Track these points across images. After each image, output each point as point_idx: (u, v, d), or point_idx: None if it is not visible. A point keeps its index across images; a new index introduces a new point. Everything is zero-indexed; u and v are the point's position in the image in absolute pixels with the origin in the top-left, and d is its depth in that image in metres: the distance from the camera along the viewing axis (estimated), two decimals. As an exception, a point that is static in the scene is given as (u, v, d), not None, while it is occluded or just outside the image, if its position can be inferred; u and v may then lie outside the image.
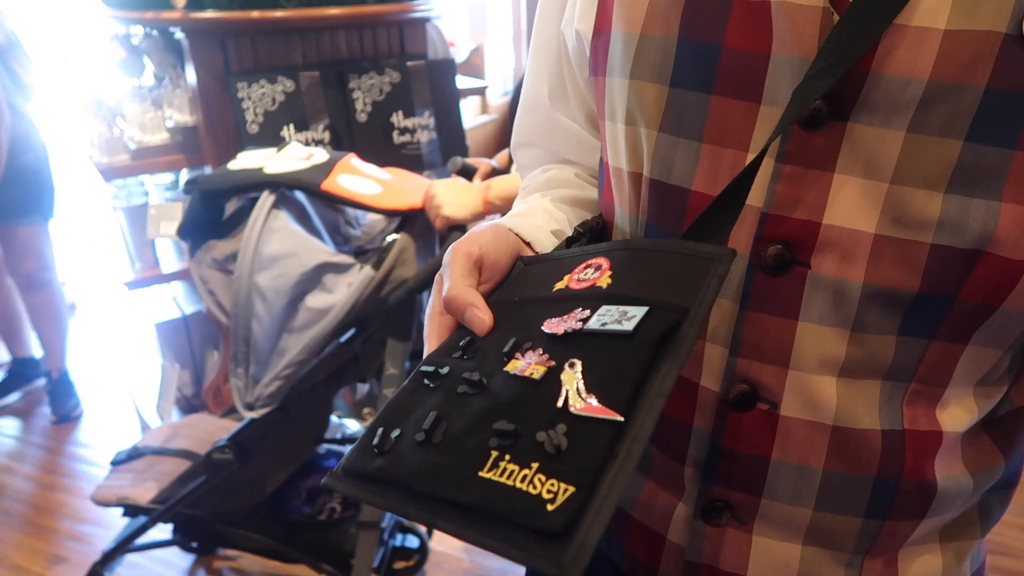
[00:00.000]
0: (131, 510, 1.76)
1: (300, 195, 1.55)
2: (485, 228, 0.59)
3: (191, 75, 2.06)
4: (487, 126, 5.14)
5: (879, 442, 0.53)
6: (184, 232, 1.56)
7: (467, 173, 1.68)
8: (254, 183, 1.51)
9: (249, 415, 1.54)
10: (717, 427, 0.57)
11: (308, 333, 1.45)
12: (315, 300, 1.45)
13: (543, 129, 0.74)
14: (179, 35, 2.06)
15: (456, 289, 0.53)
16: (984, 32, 0.43)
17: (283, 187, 1.50)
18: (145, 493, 1.72)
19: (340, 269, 1.46)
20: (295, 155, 1.58)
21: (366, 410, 2.35)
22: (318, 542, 1.76)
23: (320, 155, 1.59)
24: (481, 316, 0.52)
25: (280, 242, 1.43)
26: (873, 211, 0.48)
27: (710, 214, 0.49)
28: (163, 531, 1.89)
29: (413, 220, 1.57)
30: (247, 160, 1.60)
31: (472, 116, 5.10)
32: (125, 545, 1.79)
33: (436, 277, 0.57)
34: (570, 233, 0.65)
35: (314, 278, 1.44)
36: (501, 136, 5.34)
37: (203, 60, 2.03)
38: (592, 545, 0.35)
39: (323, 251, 1.46)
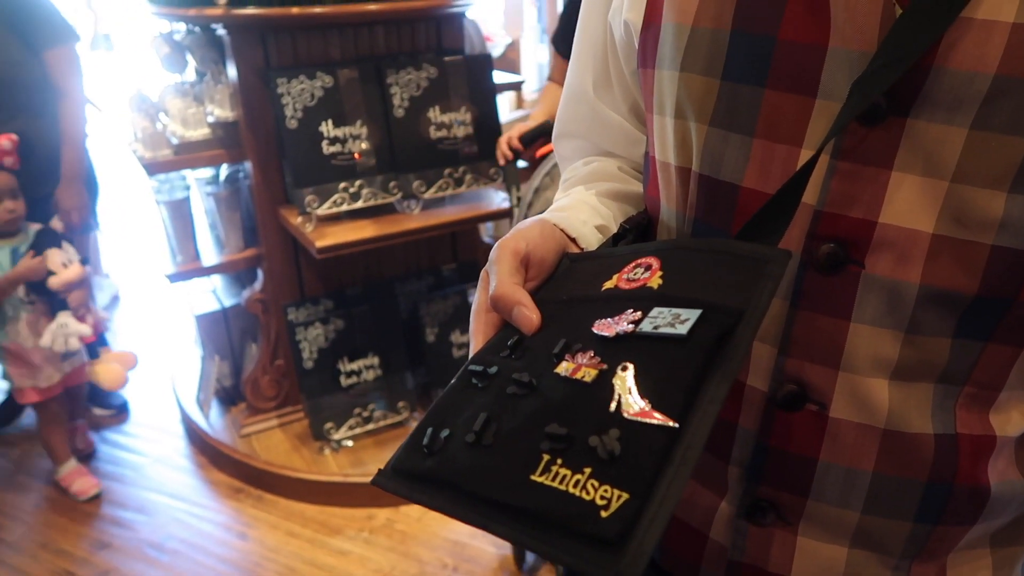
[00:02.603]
0: None
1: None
2: (531, 224, 0.59)
3: (232, 71, 2.09)
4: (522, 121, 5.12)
5: (932, 446, 0.52)
6: None
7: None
8: None
9: None
10: (764, 427, 0.56)
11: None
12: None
13: (586, 120, 0.73)
14: (220, 31, 2.09)
15: (503, 287, 0.53)
16: None
17: None
18: None
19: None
20: None
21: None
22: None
23: None
24: (529, 315, 0.51)
25: None
26: (932, 210, 0.47)
27: (764, 214, 0.48)
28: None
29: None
30: None
31: (507, 111, 5.10)
32: None
33: (482, 274, 0.57)
34: (615, 228, 0.64)
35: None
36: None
37: (244, 56, 2.05)
38: (648, 553, 0.35)
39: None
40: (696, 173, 0.55)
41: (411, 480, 0.46)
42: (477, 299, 0.56)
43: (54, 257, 2.12)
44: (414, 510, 2.18)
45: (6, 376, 2.28)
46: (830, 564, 0.57)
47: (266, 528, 2.14)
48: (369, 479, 1.93)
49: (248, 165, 2.21)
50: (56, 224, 2.23)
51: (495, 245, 0.56)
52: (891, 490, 0.54)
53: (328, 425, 2.29)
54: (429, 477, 0.45)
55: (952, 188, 0.46)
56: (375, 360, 2.34)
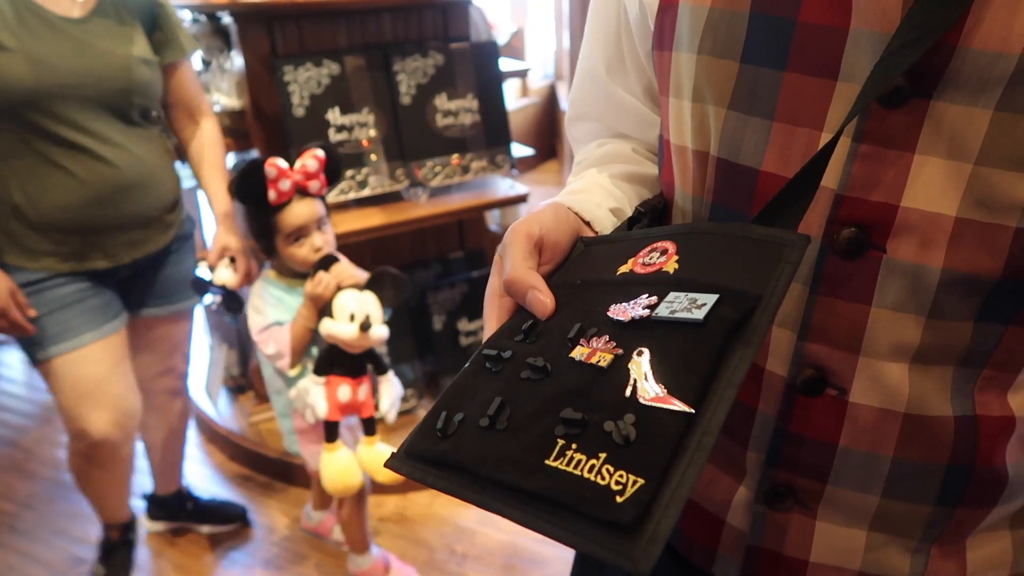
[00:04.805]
0: None
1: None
2: (545, 208, 0.59)
3: (238, 59, 2.08)
4: (528, 109, 5.12)
5: (952, 429, 0.52)
6: None
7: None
8: None
9: None
10: (783, 412, 0.55)
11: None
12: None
13: (599, 102, 0.72)
14: (227, 20, 2.08)
15: (517, 271, 0.52)
16: None
17: None
18: None
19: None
20: None
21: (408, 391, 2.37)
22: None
23: None
24: (543, 299, 0.51)
25: None
26: (955, 194, 0.46)
27: (782, 197, 0.47)
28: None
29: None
30: None
31: (513, 99, 5.07)
32: None
33: (495, 258, 0.56)
34: (629, 212, 0.64)
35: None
36: (542, 119, 5.32)
37: (250, 44, 2.05)
38: (663, 539, 0.34)
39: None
40: (714, 157, 0.55)
41: (424, 463, 0.45)
42: (491, 283, 0.55)
43: (345, 303, 1.51)
44: (423, 497, 2.19)
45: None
46: (849, 548, 0.57)
47: (275, 515, 2.15)
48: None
49: (255, 153, 2.21)
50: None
51: (509, 229, 0.56)
52: (911, 474, 0.53)
53: (336, 414, 2.29)
54: (443, 460, 0.44)
55: (976, 171, 0.45)
56: (382, 349, 2.34)
